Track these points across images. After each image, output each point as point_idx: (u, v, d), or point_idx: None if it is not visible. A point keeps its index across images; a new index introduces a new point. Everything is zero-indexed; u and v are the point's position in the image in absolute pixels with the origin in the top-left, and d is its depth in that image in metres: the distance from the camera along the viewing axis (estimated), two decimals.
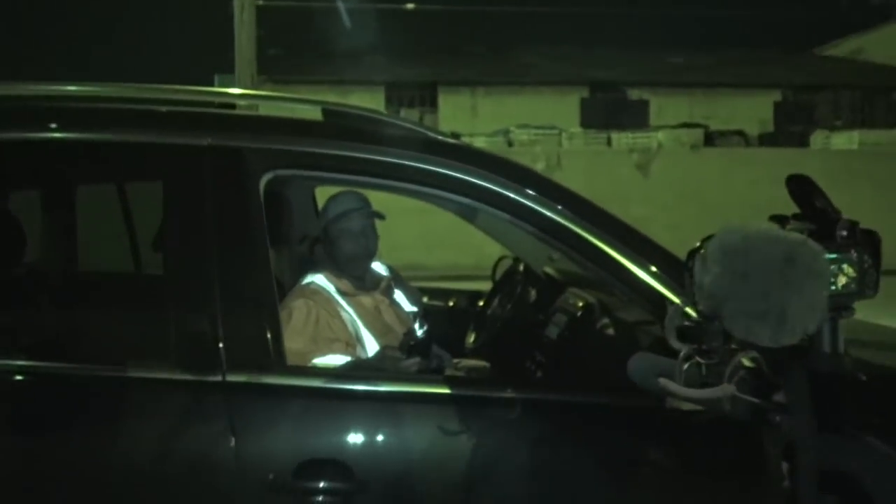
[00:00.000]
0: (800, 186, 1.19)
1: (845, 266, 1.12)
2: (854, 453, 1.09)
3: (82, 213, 2.42)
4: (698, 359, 1.20)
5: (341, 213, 2.34)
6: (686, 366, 1.22)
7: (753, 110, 18.85)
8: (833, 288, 1.09)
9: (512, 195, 1.78)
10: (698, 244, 1.15)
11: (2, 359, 1.67)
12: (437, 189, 1.81)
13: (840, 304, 1.11)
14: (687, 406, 1.52)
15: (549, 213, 1.77)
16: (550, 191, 1.81)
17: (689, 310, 1.23)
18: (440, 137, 2.09)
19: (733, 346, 1.14)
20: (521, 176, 1.82)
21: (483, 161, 1.84)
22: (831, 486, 1.07)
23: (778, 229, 1.07)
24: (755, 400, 1.13)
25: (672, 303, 1.70)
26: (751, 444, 1.58)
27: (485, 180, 1.78)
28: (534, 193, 1.78)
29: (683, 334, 1.22)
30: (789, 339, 1.02)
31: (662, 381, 1.25)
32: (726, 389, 1.13)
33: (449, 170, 1.79)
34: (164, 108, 1.89)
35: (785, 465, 1.12)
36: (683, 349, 1.23)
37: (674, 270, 1.74)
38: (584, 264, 1.83)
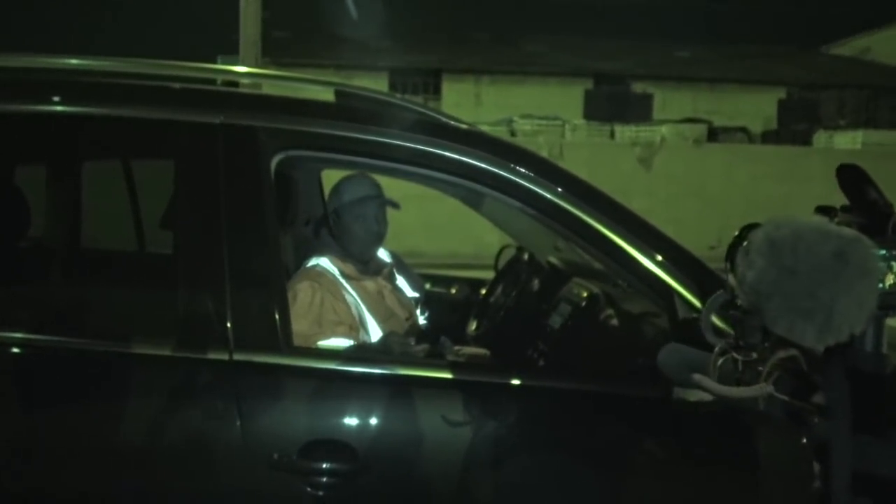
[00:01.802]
0: (851, 177, 1.13)
1: (895, 264, 1.06)
2: (892, 456, 1.06)
3: (90, 188, 2.41)
4: (734, 354, 1.17)
5: (358, 198, 2.33)
6: (721, 361, 1.19)
7: (758, 107, 18.80)
8: (881, 286, 1.04)
9: (523, 182, 1.77)
10: (737, 234, 1.12)
11: (7, 331, 1.67)
12: (448, 174, 1.81)
13: (887, 304, 1.06)
14: (694, 397, 1.53)
15: (559, 201, 1.77)
16: (561, 178, 1.81)
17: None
18: (452, 122, 2.07)
19: (772, 342, 1.11)
20: (532, 163, 1.81)
21: (495, 147, 1.83)
22: (866, 488, 1.05)
23: (829, 223, 1.02)
24: (793, 401, 1.09)
25: (677, 293, 1.71)
26: (758, 437, 1.59)
27: (497, 167, 1.78)
28: (545, 181, 1.78)
29: (719, 328, 1.19)
30: (835, 338, 0.98)
31: (697, 376, 1.21)
32: (764, 388, 1.09)
33: (461, 155, 1.78)
34: (177, 85, 1.88)
35: (817, 466, 1.10)
36: (719, 344, 1.20)
37: (680, 260, 1.75)
38: (591, 252, 1.83)
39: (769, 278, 0.99)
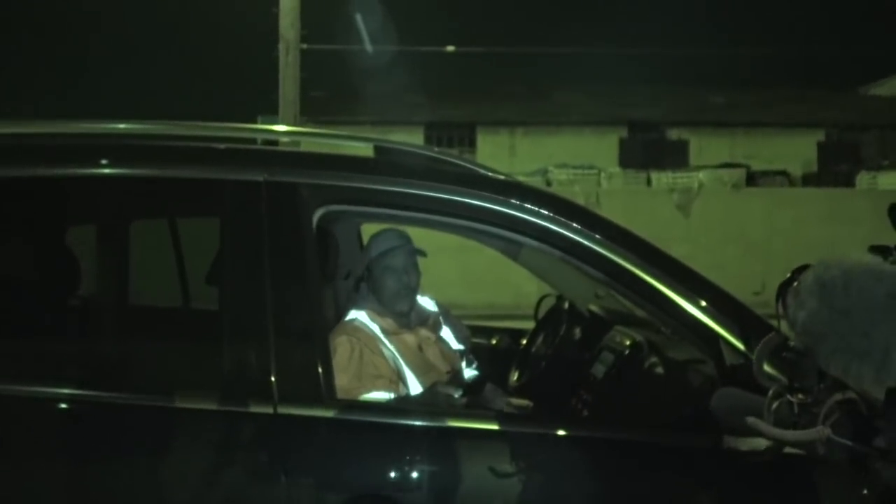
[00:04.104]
0: None
1: None
2: None
3: (138, 246, 2.48)
4: (789, 397, 1.14)
5: (384, 250, 2.35)
6: (776, 404, 1.16)
7: (797, 150, 18.59)
8: None
9: (563, 232, 1.78)
10: (789, 276, 1.11)
11: (57, 387, 1.71)
12: (489, 225, 1.82)
13: None
14: (745, 447, 1.48)
15: (600, 249, 1.77)
16: (601, 226, 1.81)
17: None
18: (491, 174, 2.10)
19: (829, 384, 1.07)
20: (572, 212, 1.82)
21: (534, 197, 1.84)
22: None
23: (881, 263, 1.01)
24: (853, 444, 1.05)
25: (723, 339, 1.68)
26: (814, 488, 1.53)
27: (537, 217, 1.79)
28: (585, 229, 1.78)
29: (775, 370, 1.15)
30: (894, 380, 0.95)
31: (751, 419, 1.19)
32: (822, 432, 1.06)
33: (500, 206, 1.80)
34: (222, 146, 1.94)
35: None
36: (773, 387, 1.17)
37: (724, 306, 1.72)
38: (635, 300, 1.81)
39: (821, 319, 0.97)
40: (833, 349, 0.97)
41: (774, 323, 1.20)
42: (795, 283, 1.03)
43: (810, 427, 1.08)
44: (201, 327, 2.12)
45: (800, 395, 1.12)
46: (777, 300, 1.11)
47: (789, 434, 1.12)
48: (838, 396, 1.06)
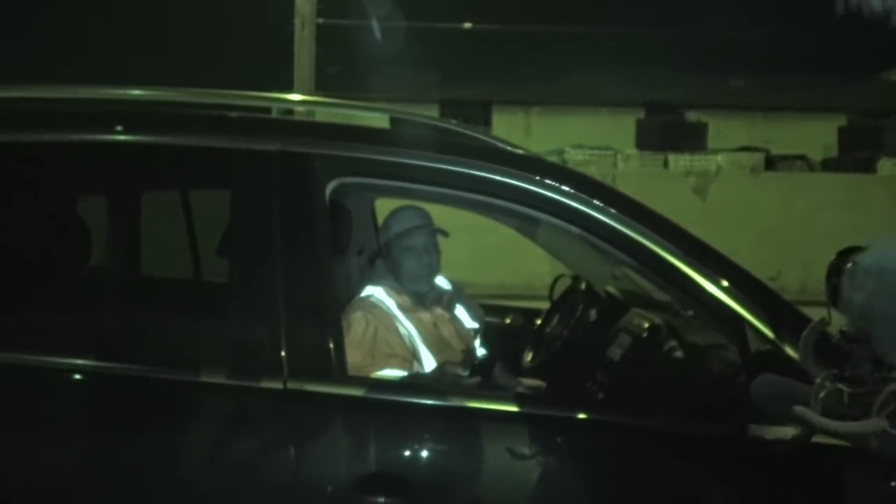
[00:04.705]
0: None
1: None
2: None
3: (148, 216, 2.44)
4: (839, 386, 1.08)
5: (405, 230, 2.30)
6: (823, 393, 1.10)
7: (816, 135, 18.35)
8: None
9: (583, 208, 1.72)
10: (835, 259, 1.05)
11: (65, 358, 1.68)
12: (507, 201, 1.77)
13: None
14: (771, 436, 1.43)
15: (619, 227, 1.71)
16: (621, 203, 1.75)
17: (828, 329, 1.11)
18: (509, 148, 2.04)
19: (885, 373, 1.01)
20: (593, 189, 1.76)
21: (554, 173, 1.79)
22: None
23: None
24: None
25: (748, 323, 1.62)
26: (842, 479, 1.48)
27: (556, 193, 1.73)
28: (605, 206, 1.73)
29: (823, 357, 1.10)
30: None
31: (799, 409, 1.12)
32: (877, 424, 1.00)
33: (518, 180, 1.75)
34: (234, 114, 1.89)
35: None
36: (821, 374, 1.11)
37: (748, 288, 1.67)
38: (655, 280, 1.76)
39: (881, 302, 0.92)
40: (893, 335, 0.91)
41: (819, 310, 1.13)
42: (850, 265, 0.98)
43: (862, 418, 1.02)
44: (212, 300, 2.08)
45: (851, 384, 1.06)
46: (826, 283, 1.05)
47: (842, 425, 1.05)
48: (894, 386, 1.00)
